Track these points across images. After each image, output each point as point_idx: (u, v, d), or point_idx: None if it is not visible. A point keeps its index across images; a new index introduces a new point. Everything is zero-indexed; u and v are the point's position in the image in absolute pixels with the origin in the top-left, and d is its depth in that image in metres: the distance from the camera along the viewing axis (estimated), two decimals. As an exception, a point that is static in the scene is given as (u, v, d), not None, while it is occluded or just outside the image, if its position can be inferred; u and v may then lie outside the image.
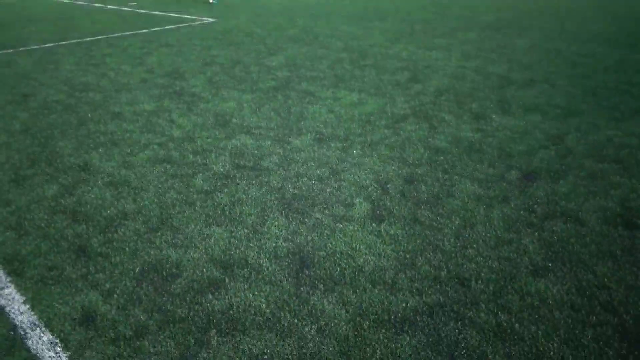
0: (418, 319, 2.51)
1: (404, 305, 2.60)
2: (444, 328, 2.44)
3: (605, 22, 11.11)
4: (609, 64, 7.52)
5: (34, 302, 2.68)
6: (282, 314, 2.56)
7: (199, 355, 2.30)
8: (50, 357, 2.31)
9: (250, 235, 3.28)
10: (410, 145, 4.71)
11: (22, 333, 2.47)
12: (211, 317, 2.55)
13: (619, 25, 10.82)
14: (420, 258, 3.00)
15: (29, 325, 2.52)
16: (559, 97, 6.04)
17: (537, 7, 13.50)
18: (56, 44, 9.80)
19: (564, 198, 3.69)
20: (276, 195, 3.81)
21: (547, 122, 5.24)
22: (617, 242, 3.15)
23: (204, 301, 2.66)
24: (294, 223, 3.41)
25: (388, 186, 3.91)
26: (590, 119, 5.31)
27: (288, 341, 2.38)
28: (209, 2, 16.61)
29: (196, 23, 12.35)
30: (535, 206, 3.58)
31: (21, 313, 2.61)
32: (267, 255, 3.05)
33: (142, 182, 4.04)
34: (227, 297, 2.69)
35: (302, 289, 2.75)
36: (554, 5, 13.55)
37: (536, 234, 3.24)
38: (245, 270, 2.92)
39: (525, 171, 4.13)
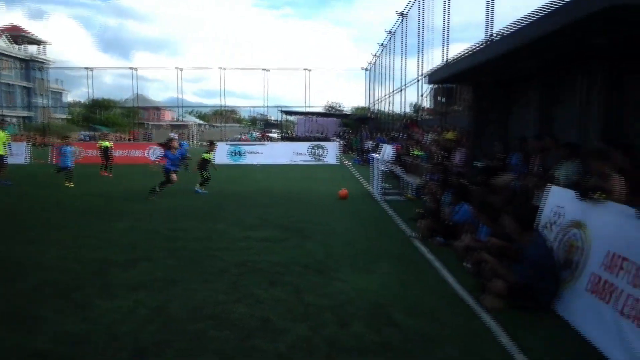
0: None
1: None
2: None
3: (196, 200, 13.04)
4: (198, 235, 8.78)
5: None
6: None
7: None
8: None
9: None
10: (2, 356, 4.12)
11: None
12: None
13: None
14: None
15: None
16: (159, 270, 6.58)
17: (125, 194, 14.54)
18: None
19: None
20: None
21: (152, 296, 5.59)
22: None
23: None
24: None
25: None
26: (187, 285, 5.98)
27: None
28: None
29: None
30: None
31: None
32: None
33: None
34: None
35: None
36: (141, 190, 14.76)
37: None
38: None
39: (134, 350, 4.24)
